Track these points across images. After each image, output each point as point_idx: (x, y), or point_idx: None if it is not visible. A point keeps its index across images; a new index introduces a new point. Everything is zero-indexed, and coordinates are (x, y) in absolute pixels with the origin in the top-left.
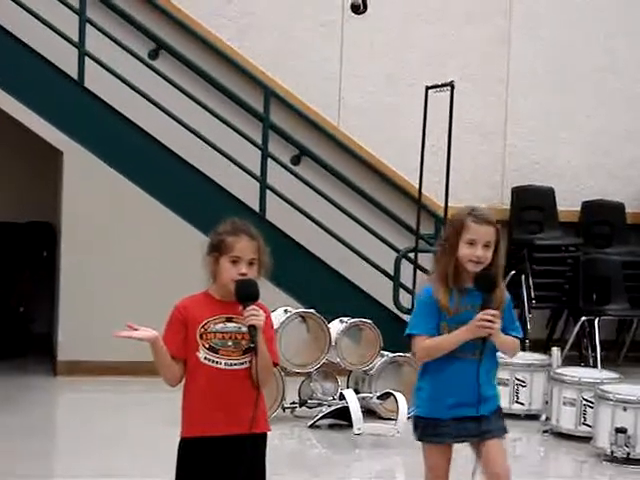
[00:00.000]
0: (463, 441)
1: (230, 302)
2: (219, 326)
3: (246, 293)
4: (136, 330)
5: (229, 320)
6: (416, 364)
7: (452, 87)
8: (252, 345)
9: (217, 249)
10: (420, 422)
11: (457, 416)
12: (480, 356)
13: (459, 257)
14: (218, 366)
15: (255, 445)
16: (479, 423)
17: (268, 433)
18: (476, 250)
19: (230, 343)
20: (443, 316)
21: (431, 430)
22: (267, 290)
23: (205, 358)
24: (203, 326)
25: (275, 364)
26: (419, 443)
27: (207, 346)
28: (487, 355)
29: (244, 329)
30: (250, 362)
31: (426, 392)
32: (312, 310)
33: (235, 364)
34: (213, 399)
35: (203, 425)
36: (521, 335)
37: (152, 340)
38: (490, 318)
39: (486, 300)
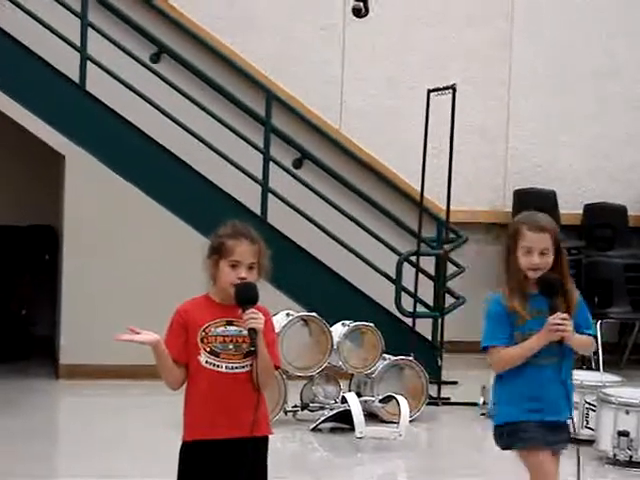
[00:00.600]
0: (556, 448)
1: (230, 305)
2: (220, 329)
3: (245, 297)
4: (137, 334)
5: (230, 323)
6: (418, 368)
7: (454, 90)
8: (252, 348)
9: (217, 252)
10: (503, 429)
11: (538, 420)
12: (559, 360)
13: (520, 265)
14: (219, 370)
15: (256, 448)
16: (557, 431)
17: (270, 436)
18: (533, 258)
19: (231, 346)
20: (514, 325)
21: (519, 434)
22: (269, 293)
23: (206, 362)
24: (204, 330)
25: (276, 367)
26: (421, 446)
27: (208, 350)
28: (566, 359)
29: (245, 332)
30: (251, 365)
31: (503, 400)
32: (314, 313)
33: (236, 367)
34: (214, 403)
35: (204, 428)
36: (594, 332)
37: (153, 344)
38: (560, 322)
39: (553, 304)
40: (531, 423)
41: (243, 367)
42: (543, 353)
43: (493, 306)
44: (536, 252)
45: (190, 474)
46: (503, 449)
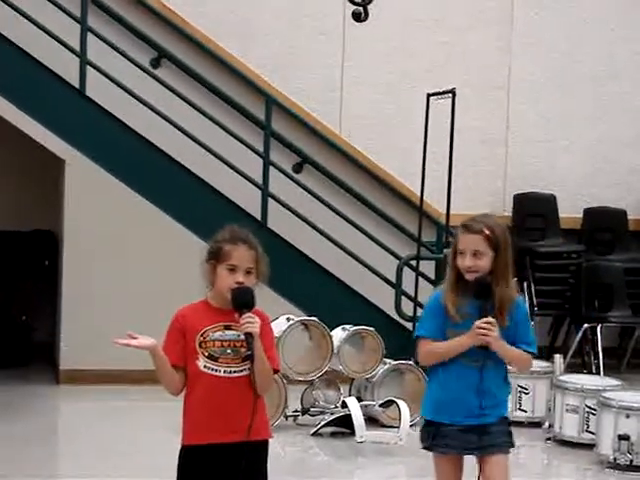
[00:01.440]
0: (468, 453)
1: (228, 310)
2: (218, 334)
3: (242, 301)
4: (135, 338)
5: (228, 328)
6: (419, 371)
7: (453, 94)
8: (249, 352)
9: (215, 257)
10: (428, 429)
11: (459, 424)
12: (481, 365)
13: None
14: (217, 374)
15: (256, 452)
16: (481, 435)
17: (270, 441)
18: (464, 260)
19: (229, 351)
20: (449, 323)
21: (439, 439)
22: (269, 298)
23: (204, 366)
24: (202, 334)
25: (275, 371)
26: (422, 451)
27: (206, 354)
28: (491, 364)
29: (243, 336)
30: (250, 369)
31: (432, 396)
32: (314, 318)
33: (234, 372)
34: (213, 407)
35: (203, 433)
36: (533, 350)
37: (151, 348)
38: (484, 326)
39: (482, 307)
40: (451, 427)
41: (242, 371)
42: (467, 354)
43: (431, 301)
44: (468, 254)
45: (189, 478)
46: (424, 448)
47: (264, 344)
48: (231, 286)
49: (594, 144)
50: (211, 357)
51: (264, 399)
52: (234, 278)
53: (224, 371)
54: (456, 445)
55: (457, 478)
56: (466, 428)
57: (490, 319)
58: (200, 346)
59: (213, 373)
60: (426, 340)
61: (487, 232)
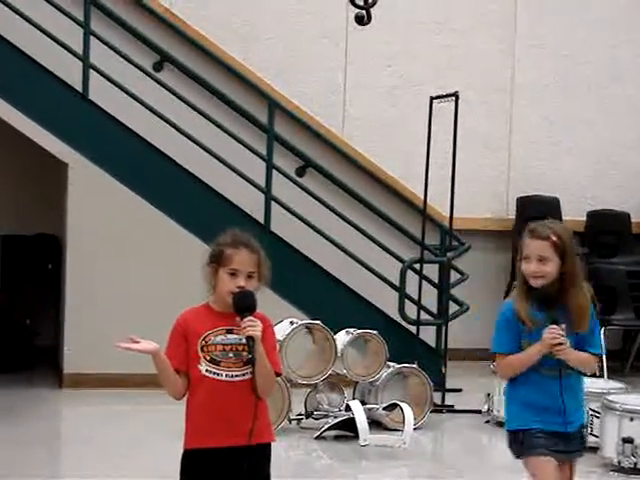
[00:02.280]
0: (558, 457)
1: (230, 313)
2: (219, 338)
3: (243, 305)
4: (137, 342)
5: (229, 332)
6: (422, 374)
7: (456, 97)
8: (250, 356)
9: (216, 260)
10: (516, 436)
11: (546, 429)
12: (559, 372)
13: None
14: (219, 378)
15: (258, 455)
16: (567, 441)
17: (274, 444)
18: (530, 265)
19: (231, 355)
20: (523, 333)
21: (529, 442)
22: (272, 302)
23: (207, 370)
24: (204, 339)
25: (277, 374)
26: (426, 454)
27: (208, 358)
28: (570, 372)
29: (245, 340)
30: (252, 373)
31: (514, 407)
32: (318, 321)
33: (237, 376)
34: (215, 411)
35: (205, 437)
36: (598, 351)
37: (153, 352)
38: (553, 335)
39: (550, 316)
40: (535, 431)
41: (244, 375)
42: (544, 364)
43: (503, 312)
44: (533, 259)
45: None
46: (517, 457)
47: (266, 347)
48: (232, 290)
49: (597, 147)
50: (213, 361)
51: (266, 402)
52: (235, 282)
53: (226, 375)
54: (548, 446)
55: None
56: (553, 433)
57: (556, 328)
58: (202, 350)
59: (215, 377)
60: (502, 355)
61: (554, 238)
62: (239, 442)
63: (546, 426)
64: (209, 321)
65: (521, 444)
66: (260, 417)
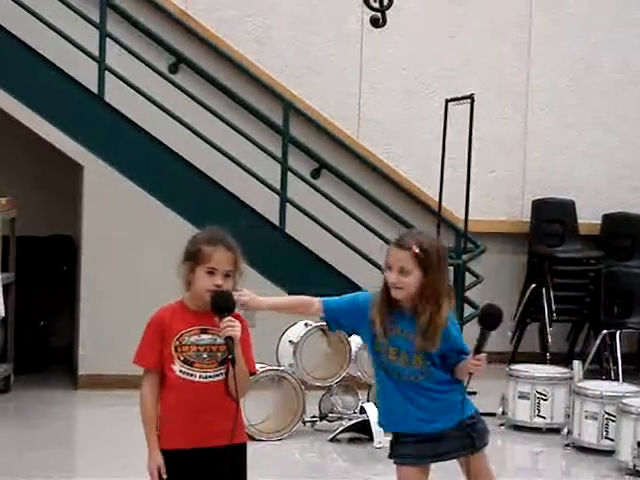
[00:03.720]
0: (427, 462)
1: (205, 312)
2: (193, 338)
3: (223, 305)
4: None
5: (204, 332)
6: None
7: (472, 100)
8: (230, 357)
9: (193, 258)
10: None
11: (405, 432)
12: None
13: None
14: (192, 379)
15: (234, 456)
16: (438, 442)
17: (287, 446)
18: (390, 275)
19: (205, 355)
20: (378, 338)
21: (398, 449)
22: None
23: (180, 371)
24: (178, 338)
25: (252, 373)
26: None
27: (182, 359)
28: (415, 382)
29: (219, 340)
30: (225, 374)
31: (380, 408)
32: None
33: (210, 376)
34: (188, 412)
35: (179, 438)
36: (466, 350)
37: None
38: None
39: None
40: (408, 436)
41: (217, 376)
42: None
43: (360, 297)
44: (394, 270)
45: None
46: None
47: (242, 347)
48: (210, 288)
49: (613, 149)
50: (186, 362)
51: (240, 403)
52: (213, 281)
53: (199, 376)
54: (411, 454)
55: None
56: (422, 436)
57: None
58: (175, 350)
59: (188, 378)
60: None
61: (416, 250)
62: (214, 443)
63: (409, 429)
64: (183, 320)
65: (392, 448)
66: (236, 419)
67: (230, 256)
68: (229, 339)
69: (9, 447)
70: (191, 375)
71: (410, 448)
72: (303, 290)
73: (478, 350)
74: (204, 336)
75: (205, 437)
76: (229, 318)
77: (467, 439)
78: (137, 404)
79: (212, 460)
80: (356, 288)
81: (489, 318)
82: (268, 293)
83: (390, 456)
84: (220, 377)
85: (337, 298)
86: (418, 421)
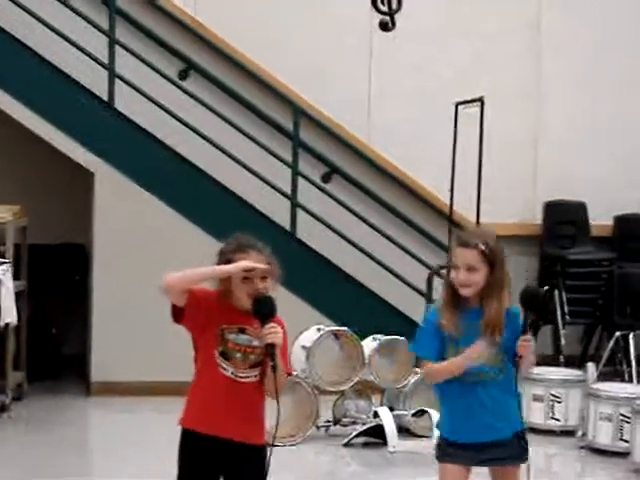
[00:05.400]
0: (479, 464)
1: (245, 312)
2: (232, 336)
3: (265, 311)
4: None
5: (242, 331)
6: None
7: (482, 103)
8: (272, 364)
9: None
10: (441, 442)
11: (470, 441)
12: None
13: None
14: (225, 373)
15: (248, 455)
16: (495, 448)
17: (300, 450)
18: (458, 274)
19: (239, 355)
20: (448, 338)
21: (450, 450)
22: (299, 308)
23: (218, 358)
24: (222, 329)
25: (289, 374)
26: None
27: (221, 350)
28: (493, 381)
29: (255, 343)
30: (255, 377)
31: (443, 414)
32: (345, 328)
33: (240, 376)
34: (214, 401)
35: (199, 422)
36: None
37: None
38: (474, 350)
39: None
40: (463, 445)
41: (247, 377)
42: (471, 372)
43: (429, 318)
44: (462, 268)
45: (184, 458)
46: (436, 459)
47: (281, 351)
48: (251, 294)
49: (625, 151)
50: (223, 355)
51: (264, 405)
52: (252, 286)
53: (231, 372)
54: (466, 456)
55: None
56: (477, 444)
57: (483, 343)
58: (221, 337)
59: (221, 370)
60: (427, 360)
61: (482, 247)
62: (228, 435)
63: (469, 438)
64: (227, 315)
65: (443, 450)
66: (257, 419)
67: (262, 258)
68: (271, 346)
69: (23, 454)
70: (224, 369)
71: (464, 451)
72: (314, 294)
73: (524, 331)
74: (242, 336)
75: (222, 428)
76: (272, 325)
77: (520, 449)
78: (150, 411)
79: (224, 452)
80: (366, 291)
81: (531, 298)
82: (278, 297)
83: (439, 457)
84: (251, 379)
85: (425, 339)
86: (487, 428)
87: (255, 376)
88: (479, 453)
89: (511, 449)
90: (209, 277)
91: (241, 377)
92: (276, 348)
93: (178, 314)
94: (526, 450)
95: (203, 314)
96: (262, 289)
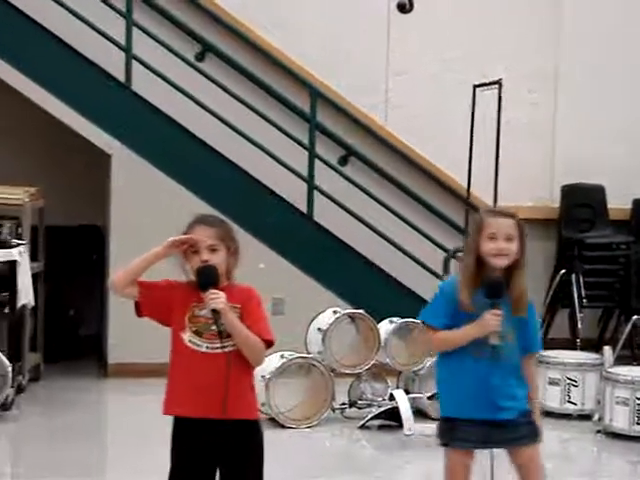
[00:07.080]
0: (485, 447)
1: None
2: (204, 312)
3: (205, 281)
4: None
5: None
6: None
7: (500, 85)
8: (218, 330)
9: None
10: (442, 424)
11: (475, 418)
12: (492, 358)
13: (482, 254)
14: (199, 349)
15: (238, 431)
16: (503, 429)
17: (316, 433)
18: (498, 243)
19: (214, 327)
20: (463, 313)
21: (454, 433)
22: (316, 291)
23: (189, 341)
24: (191, 309)
25: (268, 342)
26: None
27: (194, 329)
28: (503, 359)
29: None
30: (233, 346)
31: (444, 390)
32: (361, 311)
33: (217, 348)
34: (193, 382)
35: (182, 406)
36: (540, 349)
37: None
38: (493, 318)
39: (494, 304)
40: (466, 421)
41: (223, 348)
42: (482, 347)
43: (445, 287)
44: (501, 238)
45: (176, 446)
46: (439, 444)
47: (249, 319)
48: (196, 265)
49: None
50: (197, 332)
51: (252, 379)
52: (198, 259)
53: (206, 347)
54: (472, 439)
55: (467, 474)
56: (484, 422)
57: (497, 311)
58: (190, 320)
59: (196, 348)
60: (434, 328)
61: (518, 217)
62: (214, 414)
63: (475, 414)
64: (195, 294)
65: (446, 432)
66: (243, 393)
67: (211, 231)
68: (214, 312)
69: (40, 435)
70: (198, 345)
71: (472, 433)
72: (330, 277)
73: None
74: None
75: (206, 407)
76: (212, 291)
77: (530, 429)
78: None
79: (213, 431)
80: (383, 274)
81: (490, 287)
82: (295, 280)
83: (444, 442)
84: (226, 349)
85: (434, 307)
86: (495, 407)
87: (232, 345)
88: (487, 434)
89: (523, 430)
90: (146, 262)
91: (218, 348)
92: (222, 313)
93: (136, 308)
94: (537, 430)
95: (160, 301)
96: (207, 260)
